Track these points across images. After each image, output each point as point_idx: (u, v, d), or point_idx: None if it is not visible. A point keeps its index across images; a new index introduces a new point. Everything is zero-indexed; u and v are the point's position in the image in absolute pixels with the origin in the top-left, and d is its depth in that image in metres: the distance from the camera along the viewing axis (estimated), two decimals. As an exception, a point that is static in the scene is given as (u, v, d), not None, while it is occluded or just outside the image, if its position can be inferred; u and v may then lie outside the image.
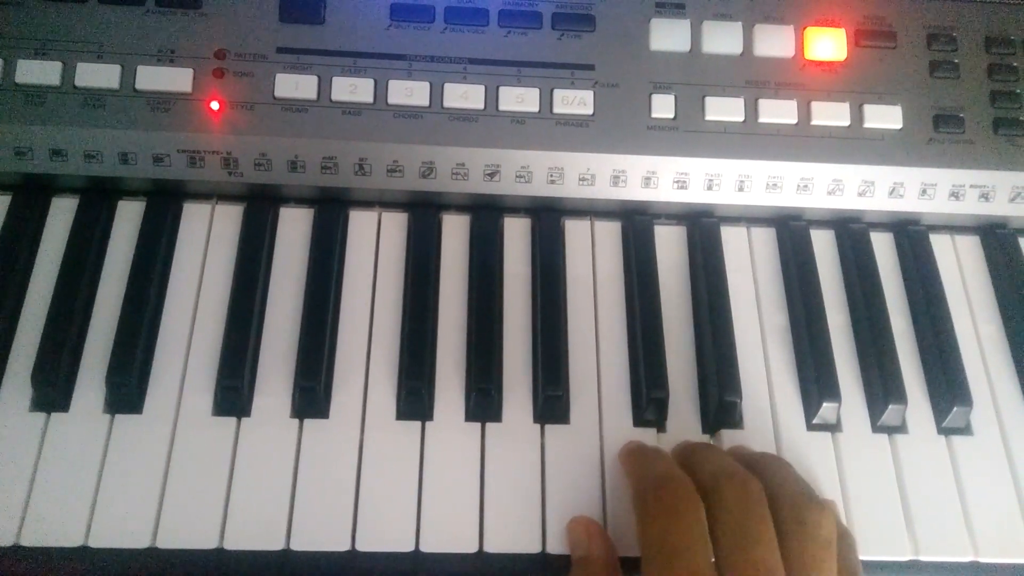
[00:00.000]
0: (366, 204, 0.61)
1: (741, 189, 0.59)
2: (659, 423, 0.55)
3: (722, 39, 0.60)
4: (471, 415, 0.54)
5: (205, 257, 0.58)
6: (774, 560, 0.42)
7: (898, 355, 0.57)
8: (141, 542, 0.49)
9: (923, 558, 0.52)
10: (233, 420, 0.53)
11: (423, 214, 0.60)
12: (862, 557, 0.50)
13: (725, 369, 0.55)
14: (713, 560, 0.44)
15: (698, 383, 0.56)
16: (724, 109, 0.59)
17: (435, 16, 0.59)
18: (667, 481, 0.47)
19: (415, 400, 0.53)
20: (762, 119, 0.59)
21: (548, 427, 0.54)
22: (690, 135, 0.58)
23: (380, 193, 0.59)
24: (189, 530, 0.50)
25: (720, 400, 0.55)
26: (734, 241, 0.62)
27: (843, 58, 0.61)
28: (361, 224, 0.60)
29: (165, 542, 0.49)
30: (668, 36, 0.60)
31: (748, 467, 0.48)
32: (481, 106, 0.58)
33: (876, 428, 0.56)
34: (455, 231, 0.60)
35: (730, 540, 0.43)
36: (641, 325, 0.57)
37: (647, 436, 0.54)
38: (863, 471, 0.54)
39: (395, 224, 0.60)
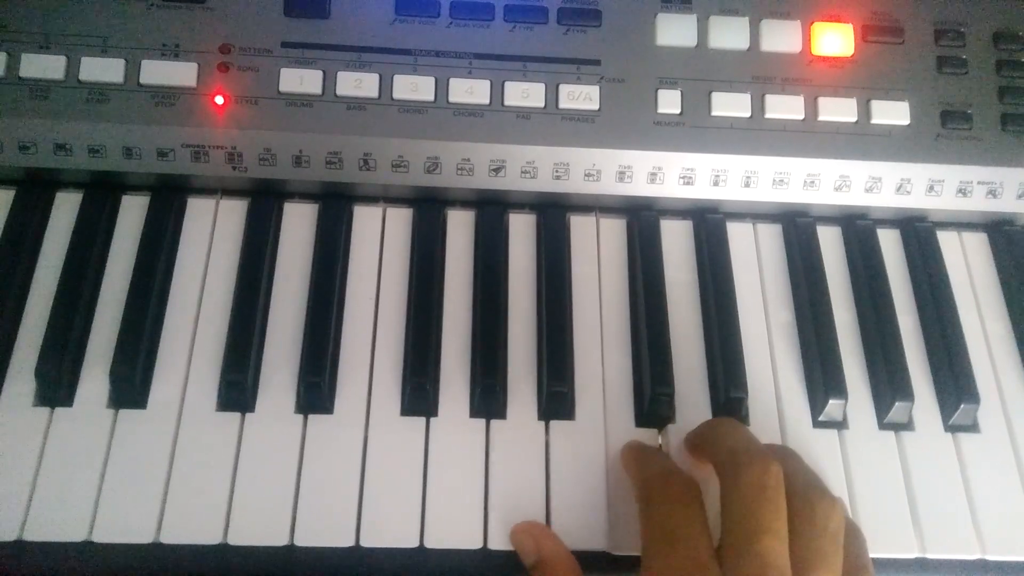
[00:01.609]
0: (371, 199, 0.60)
1: (747, 185, 0.59)
2: (665, 419, 0.55)
3: (729, 34, 0.60)
4: (476, 411, 0.54)
5: (209, 252, 0.58)
6: (781, 553, 0.42)
7: (905, 352, 0.57)
8: (145, 537, 0.49)
9: (930, 555, 0.52)
10: (237, 415, 0.53)
11: (428, 209, 0.60)
12: (870, 554, 0.50)
13: (731, 365, 0.55)
14: (717, 545, 0.44)
15: (704, 379, 0.56)
16: (730, 105, 0.59)
17: (440, 11, 0.59)
18: (670, 475, 0.47)
19: (420, 396, 0.53)
20: (769, 115, 0.59)
21: (553, 423, 0.54)
22: (696, 131, 0.58)
23: (385, 188, 0.59)
24: (193, 526, 0.50)
25: (726, 396, 0.54)
26: (740, 237, 0.61)
27: (850, 54, 0.60)
28: (366, 219, 0.60)
29: (169, 537, 0.49)
30: (674, 31, 0.60)
31: None
32: (486, 101, 0.57)
33: (883, 425, 0.56)
34: (460, 227, 0.60)
35: (739, 526, 0.43)
36: (647, 321, 0.57)
37: (651, 433, 0.54)
38: (869, 468, 0.54)
39: (400, 219, 0.60)
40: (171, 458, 0.51)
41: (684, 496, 0.45)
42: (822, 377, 0.56)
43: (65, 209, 0.58)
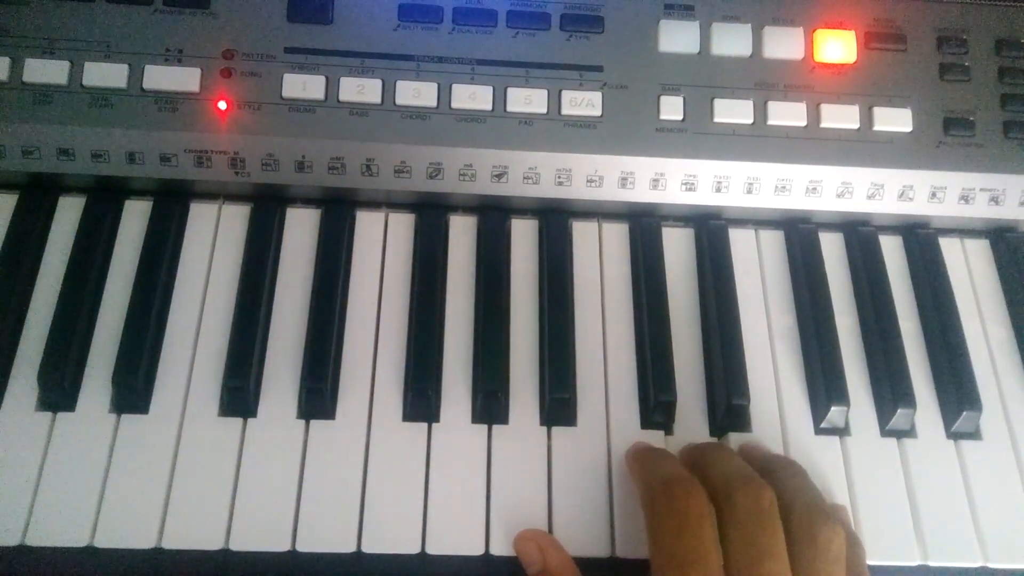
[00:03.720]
0: (373, 205, 0.60)
1: (750, 191, 0.59)
2: (667, 426, 0.55)
3: (731, 41, 0.60)
4: (478, 417, 0.54)
5: (212, 257, 0.58)
6: (784, 574, 0.42)
7: (907, 359, 0.57)
8: (147, 543, 0.49)
9: (932, 563, 0.52)
10: (239, 421, 0.53)
11: (430, 215, 0.60)
12: (871, 562, 0.50)
13: (733, 372, 0.55)
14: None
15: (706, 386, 0.56)
16: (733, 111, 0.59)
17: (443, 17, 0.59)
18: (676, 484, 0.46)
19: (422, 402, 0.53)
20: (771, 121, 0.59)
21: (555, 430, 0.54)
22: (699, 137, 0.58)
23: (387, 194, 0.59)
24: (195, 531, 0.50)
25: (728, 404, 0.54)
26: (742, 244, 0.61)
27: (853, 60, 0.60)
28: (368, 225, 0.60)
29: (171, 543, 0.49)
30: (677, 38, 0.60)
31: (761, 471, 0.47)
32: (489, 107, 0.57)
33: (885, 432, 0.56)
34: (462, 232, 0.60)
35: (741, 552, 0.43)
36: (649, 327, 0.57)
37: (655, 439, 0.54)
38: (872, 475, 0.54)
39: (402, 225, 0.60)
40: (173, 463, 0.51)
41: (693, 512, 0.44)
42: (824, 384, 0.55)
43: (68, 214, 0.58)
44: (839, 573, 0.44)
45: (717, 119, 0.58)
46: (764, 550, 0.43)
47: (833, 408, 0.55)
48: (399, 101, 0.57)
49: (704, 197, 0.59)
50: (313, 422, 0.53)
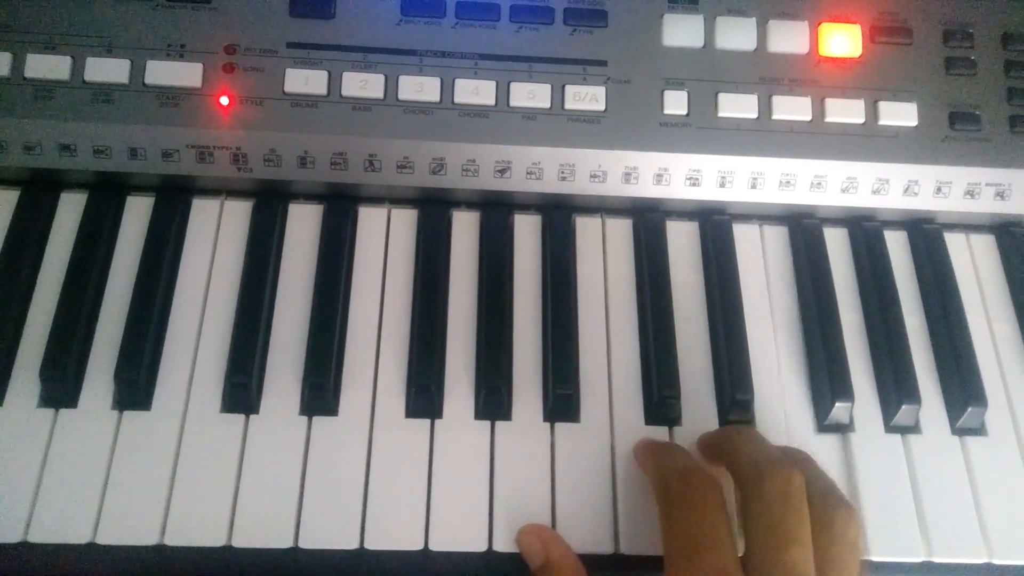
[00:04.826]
0: (376, 200, 0.60)
1: (754, 186, 0.59)
2: (670, 421, 0.55)
3: (736, 35, 0.59)
4: (481, 413, 0.54)
5: (214, 253, 0.58)
6: (808, 562, 0.42)
7: (911, 354, 0.57)
8: (149, 539, 0.49)
9: (936, 559, 0.52)
10: (241, 417, 0.53)
11: (433, 211, 0.60)
12: (875, 558, 0.50)
13: (737, 367, 0.55)
14: (740, 554, 0.43)
15: (710, 381, 0.56)
16: (737, 106, 0.58)
17: (446, 11, 0.59)
18: (691, 474, 0.46)
19: (424, 398, 0.53)
20: (776, 116, 0.58)
21: (558, 426, 0.54)
22: (703, 132, 0.58)
23: (390, 189, 0.59)
24: (197, 527, 0.50)
25: (732, 398, 0.54)
26: (746, 239, 0.61)
27: (858, 54, 0.60)
28: (371, 220, 0.60)
29: (173, 539, 0.49)
30: (681, 32, 0.59)
31: None
32: (492, 102, 0.57)
33: (889, 428, 0.56)
34: (465, 228, 0.60)
35: (764, 537, 0.42)
36: (652, 323, 0.56)
37: (658, 434, 0.54)
38: (876, 471, 0.54)
39: (405, 221, 0.60)
40: (175, 460, 0.51)
41: (708, 500, 0.44)
42: (828, 379, 0.55)
43: (70, 210, 0.58)
44: (855, 560, 0.43)
45: (721, 114, 0.58)
46: (790, 535, 0.42)
47: (837, 404, 0.54)
48: (402, 96, 0.57)
49: (708, 192, 0.59)
50: (316, 418, 0.53)
